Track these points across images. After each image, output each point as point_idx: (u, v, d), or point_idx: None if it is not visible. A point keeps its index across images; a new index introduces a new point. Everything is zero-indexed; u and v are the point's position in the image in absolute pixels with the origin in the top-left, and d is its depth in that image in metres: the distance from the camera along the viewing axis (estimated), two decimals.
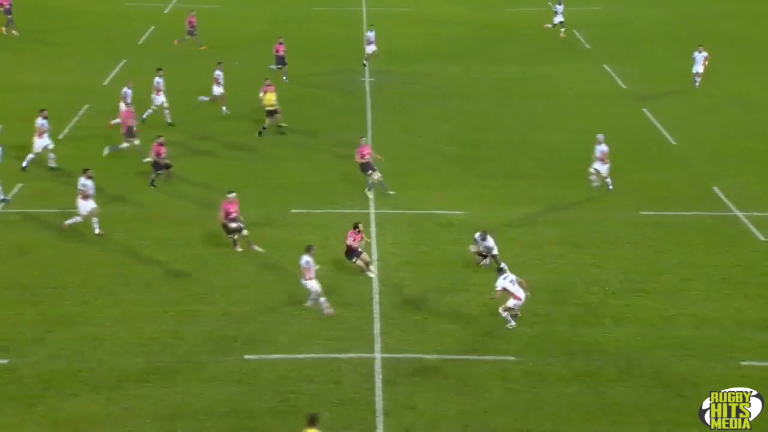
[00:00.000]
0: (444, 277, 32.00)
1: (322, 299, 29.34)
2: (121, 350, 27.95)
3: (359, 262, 30.75)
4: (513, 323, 28.89)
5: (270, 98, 42.97)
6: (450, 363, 27.74)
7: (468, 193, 38.38)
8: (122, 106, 41.47)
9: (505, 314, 28.81)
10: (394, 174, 39.05)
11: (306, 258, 28.73)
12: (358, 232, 30.48)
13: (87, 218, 33.59)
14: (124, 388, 26.36)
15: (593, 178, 38.33)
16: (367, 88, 51.66)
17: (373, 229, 34.95)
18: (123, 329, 28.86)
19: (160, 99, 43.69)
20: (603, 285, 31.71)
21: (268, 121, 43.14)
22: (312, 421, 21.54)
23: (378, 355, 27.99)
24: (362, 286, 31.36)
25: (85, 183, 33.44)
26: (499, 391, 26.58)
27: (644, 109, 49.07)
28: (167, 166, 37.18)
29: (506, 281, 28.57)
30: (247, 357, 27.55)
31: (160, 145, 37.07)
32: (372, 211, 36.34)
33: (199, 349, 27.98)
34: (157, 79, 43.80)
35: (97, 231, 33.64)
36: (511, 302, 28.58)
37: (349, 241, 30.38)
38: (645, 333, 29.15)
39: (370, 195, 35.89)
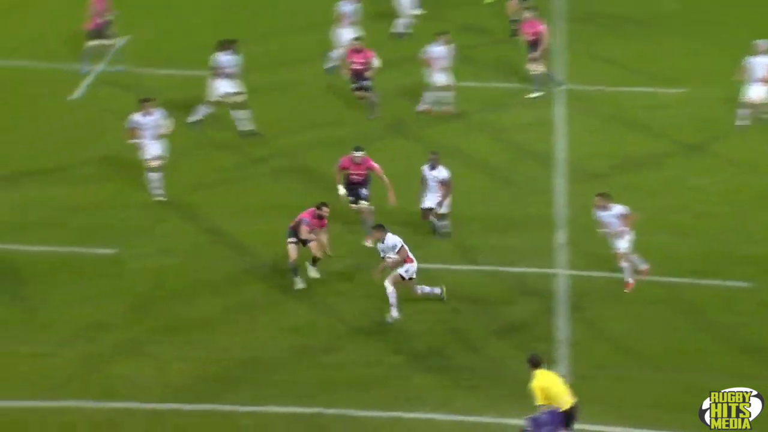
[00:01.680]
0: None
1: None
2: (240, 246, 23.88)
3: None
4: None
5: None
6: (654, 286, 22.55)
7: None
8: None
9: None
10: None
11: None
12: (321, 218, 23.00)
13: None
14: (242, 291, 22.31)
15: None
16: None
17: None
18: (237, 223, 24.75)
19: None
20: None
21: None
22: (536, 363, 17.47)
23: (562, 271, 23.17)
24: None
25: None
26: (725, 325, 21.31)
27: None
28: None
29: None
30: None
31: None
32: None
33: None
34: None
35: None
36: None
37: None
38: None
39: None
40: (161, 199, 25.51)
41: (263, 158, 27.85)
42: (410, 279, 21.63)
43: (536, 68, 31.11)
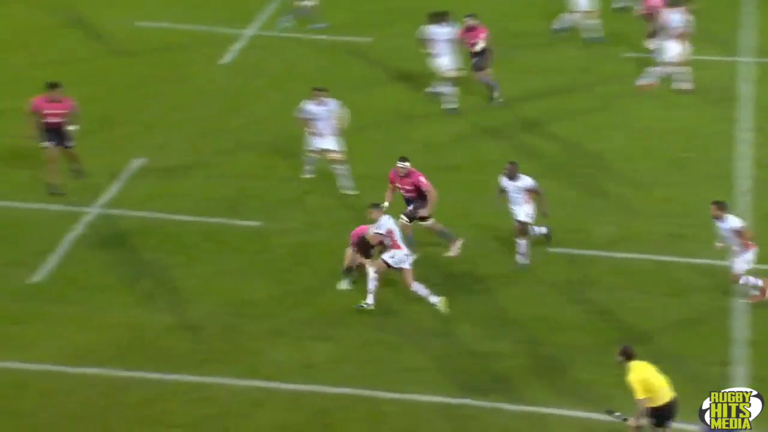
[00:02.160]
0: None
1: None
2: None
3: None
4: None
5: None
6: None
7: None
8: None
9: None
10: None
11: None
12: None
13: None
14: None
15: None
16: None
17: None
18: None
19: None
20: None
21: None
22: (629, 354, 16.46)
23: None
24: None
25: None
26: None
27: None
28: None
29: None
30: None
31: None
32: None
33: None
34: None
35: None
36: None
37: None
38: None
39: None
40: (350, 192, 24.13)
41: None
42: (399, 269, 20.47)
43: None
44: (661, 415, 16.21)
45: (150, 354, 19.41)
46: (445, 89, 27.88)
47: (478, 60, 27.99)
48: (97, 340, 19.66)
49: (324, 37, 32.11)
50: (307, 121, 24.21)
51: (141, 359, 19.21)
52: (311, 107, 24.16)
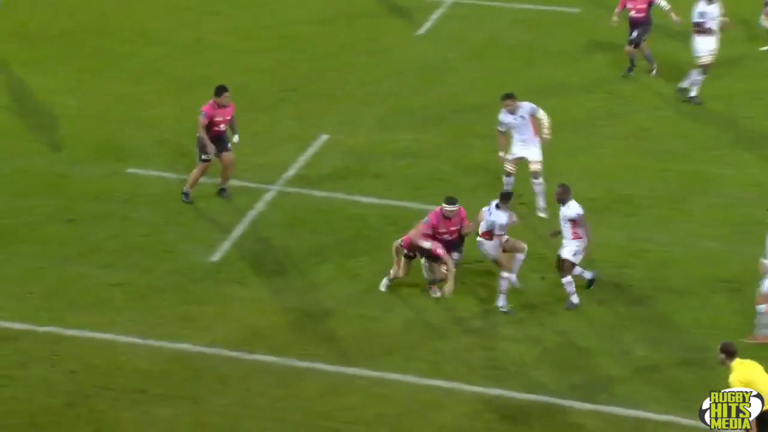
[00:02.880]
0: None
1: None
2: None
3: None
4: None
5: None
6: None
7: None
8: None
9: None
10: None
11: None
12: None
13: None
14: None
15: None
16: None
17: None
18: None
19: None
20: None
21: None
22: (731, 352, 15.83)
23: None
24: None
25: None
26: None
27: None
28: None
29: None
30: None
31: None
32: None
33: None
34: None
35: None
36: None
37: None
38: None
39: None
40: (543, 215, 21.66)
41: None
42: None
43: None
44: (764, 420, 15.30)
45: (326, 344, 18.60)
46: (697, 77, 25.50)
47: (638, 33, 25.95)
48: (272, 326, 19.00)
49: (530, 6, 30.67)
50: (504, 134, 21.66)
51: (317, 348, 18.46)
52: (506, 117, 21.52)
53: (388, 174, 23.36)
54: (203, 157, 21.95)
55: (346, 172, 23.48)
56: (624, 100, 26.08)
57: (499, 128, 21.63)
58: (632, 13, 26.06)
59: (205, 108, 21.82)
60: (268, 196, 22.66)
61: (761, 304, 18.50)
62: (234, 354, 18.27)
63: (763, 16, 27.77)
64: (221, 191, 22.46)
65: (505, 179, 21.76)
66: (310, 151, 24.22)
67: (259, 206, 22.31)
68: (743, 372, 15.50)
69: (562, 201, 19.02)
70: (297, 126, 25.11)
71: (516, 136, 21.54)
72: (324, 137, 24.70)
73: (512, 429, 16.81)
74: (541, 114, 21.43)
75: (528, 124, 21.41)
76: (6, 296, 19.60)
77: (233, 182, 22.63)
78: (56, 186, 22.85)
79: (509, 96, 21.47)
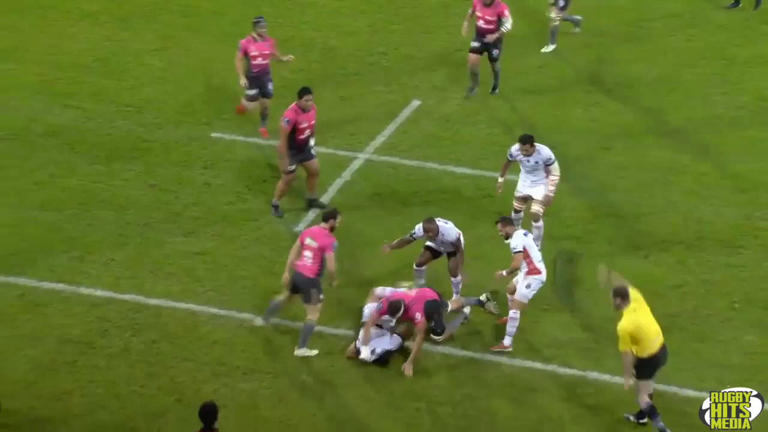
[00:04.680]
0: None
1: None
2: None
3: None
4: None
5: None
6: None
7: None
8: None
9: None
10: None
11: None
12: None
13: None
14: None
15: None
16: None
17: None
18: None
19: None
20: None
21: None
22: (624, 295, 16.02)
23: None
24: None
25: None
26: None
27: None
28: None
29: None
30: None
31: None
32: None
33: None
34: None
35: None
36: None
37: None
38: None
39: None
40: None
41: None
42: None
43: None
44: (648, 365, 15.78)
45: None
46: None
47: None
48: (358, 300, 18.43)
49: None
50: (510, 163, 19.92)
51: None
52: (518, 156, 19.64)
53: (482, 143, 22.81)
54: (288, 168, 20.52)
55: (438, 140, 22.97)
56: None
57: (509, 158, 19.97)
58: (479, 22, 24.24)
59: (288, 114, 20.11)
60: (356, 165, 22.26)
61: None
62: (318, 329, 17.76)
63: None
64: (311, 202, 21.03)
65: (513, 215, 19.99)
66: (401, 117, 23.76)
67: (346, 175, 21.93)
68: (632, 319, 15.57)
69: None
70: (387, 92, 24.67)
71: (526, 175, 19.81)
72: (416, 103, 24.21)
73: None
74: (555, 168, 19.62)
75: (541, 170, 19.68)
76: (88, 262, 19.44)
77: (319, 149, 21.89)
78: (138, 150, 22.55)
79: (528, 140, 19.56)
